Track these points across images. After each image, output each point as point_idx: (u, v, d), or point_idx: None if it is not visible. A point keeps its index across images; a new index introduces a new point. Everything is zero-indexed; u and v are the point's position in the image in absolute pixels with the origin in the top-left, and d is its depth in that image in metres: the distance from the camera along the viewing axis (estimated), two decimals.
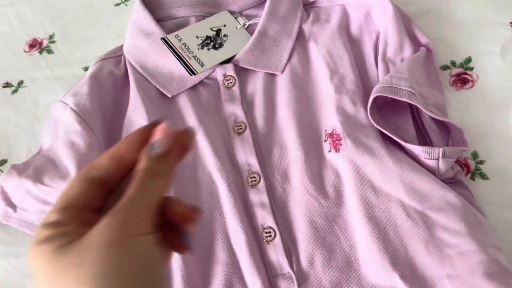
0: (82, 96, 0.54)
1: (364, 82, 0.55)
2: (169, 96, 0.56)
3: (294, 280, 0.45)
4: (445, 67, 0.59)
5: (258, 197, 0.50)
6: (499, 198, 0.50)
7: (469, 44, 0.59)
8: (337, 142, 0.51)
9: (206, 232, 0.49)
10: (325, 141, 0.52)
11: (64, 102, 0.54)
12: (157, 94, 0.56)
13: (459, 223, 0.45)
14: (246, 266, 0.46)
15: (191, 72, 0.56)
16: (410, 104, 0.54)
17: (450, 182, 0.50)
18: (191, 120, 0.54)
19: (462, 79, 0.57)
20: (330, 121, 0.52)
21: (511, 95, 0.55)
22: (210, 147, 0.52)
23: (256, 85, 0.56)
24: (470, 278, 0.43)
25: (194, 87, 0.57)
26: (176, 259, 0.47)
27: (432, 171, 0.49)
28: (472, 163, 0.53)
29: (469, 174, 0.52)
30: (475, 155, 0.53)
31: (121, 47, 0.60)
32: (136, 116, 0.54)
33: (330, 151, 0.51)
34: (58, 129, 0.54)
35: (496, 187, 0.51)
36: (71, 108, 0.53)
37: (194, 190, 0.51)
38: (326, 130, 0.52)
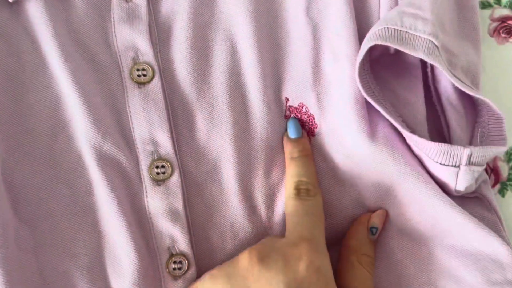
0: None
1: (359, 19, 0.33)
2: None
3: None
4: (484, 4, 0.37)
5: (166, 201, 0.30)
6: None
7: None
8: (308, 126, 0.32)
9: (62, 256, 0.29)
10: (286, 116, 0.32)
11: None
12: None
13: (474, 273, 0.29)
14: None
15: None
16: (423, 63, 0.33)
17: (469, 197, 0.32)
18: (47, 46, 0.31)
19: (508, 28, 0.36)
20: (298, 86, 0.33)
21: None
22: (82, 104, 0.30)
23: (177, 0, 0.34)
24: None
25: None
26: None
27: (444, 185, 0.30)
28: (503, 168, 0.34)
29: (498, 186, 0.33)
30: (509, 155, 0.34)
31: None
32: None
33: None
34: None
35: None
36: None
37: (46, 174, 0.30)
38: (287, 100, 0.32)
